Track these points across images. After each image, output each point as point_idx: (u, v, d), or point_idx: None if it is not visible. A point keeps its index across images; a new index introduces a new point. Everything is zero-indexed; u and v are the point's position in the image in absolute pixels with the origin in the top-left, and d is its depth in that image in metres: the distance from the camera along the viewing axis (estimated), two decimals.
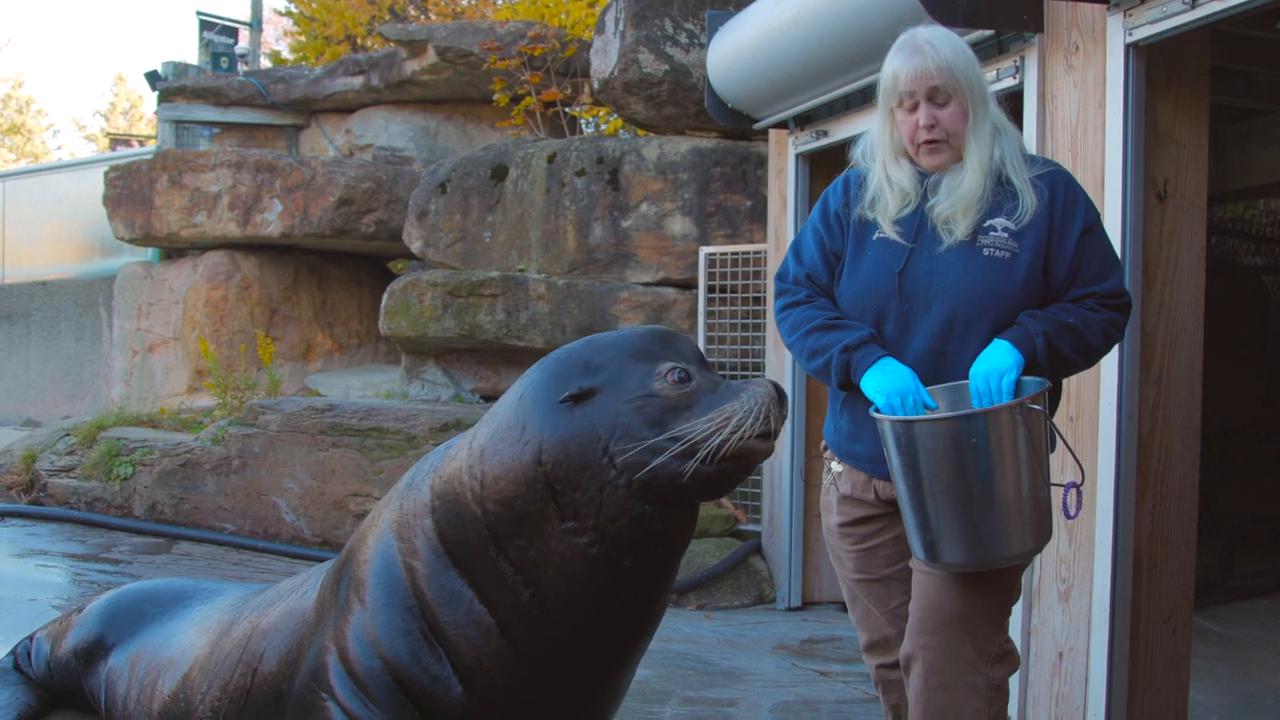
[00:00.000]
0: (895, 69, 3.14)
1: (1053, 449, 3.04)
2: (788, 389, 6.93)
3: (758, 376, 4.10)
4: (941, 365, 3.05)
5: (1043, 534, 2.97)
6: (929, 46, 3.10)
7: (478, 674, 2.78)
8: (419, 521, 2.87)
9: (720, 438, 2.59)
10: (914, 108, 3.12)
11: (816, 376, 3.25)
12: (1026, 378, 2.97)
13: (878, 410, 2.99)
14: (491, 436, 2.79)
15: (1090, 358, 3.13)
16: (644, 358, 2.73)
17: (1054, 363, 3.01)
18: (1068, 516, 3.03)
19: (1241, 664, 5.87)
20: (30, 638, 4.19)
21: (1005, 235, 3.05)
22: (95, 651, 3.82)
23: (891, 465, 2.96)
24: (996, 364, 2.94)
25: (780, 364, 7.43)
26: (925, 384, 3.03)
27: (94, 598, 4.07)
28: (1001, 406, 2.86)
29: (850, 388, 3.14)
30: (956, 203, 3.07)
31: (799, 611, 7.43)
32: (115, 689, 3.66)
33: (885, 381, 2.99)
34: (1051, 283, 3.08)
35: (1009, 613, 3.19)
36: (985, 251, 3.05)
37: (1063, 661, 4.42)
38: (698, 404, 2.67)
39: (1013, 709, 4.37)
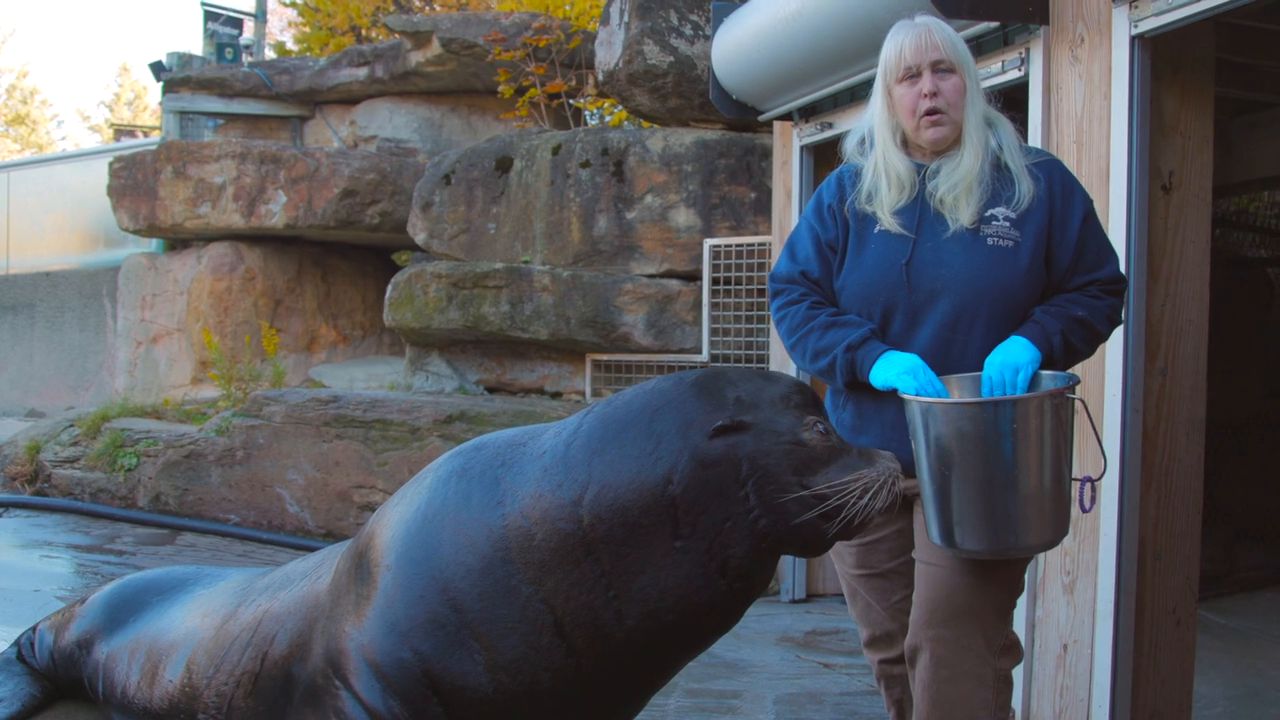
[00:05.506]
0: (898, 43, 3.16)
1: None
2: None
3: (783, 372, 4.04)
4: (949, 356, 3.05)
5: (1060, 528, 2.97)
6: (931, 22, 3.16)
7: (519, 669, 2.71)
8: (482, 515, 2.78)
9: (862, 503, 2.61)
10: (915, 81, 3.13)
11: (820, 377, 3.23)
12: (1045, 371, 2.97)
13: (906, 392, 2.96)
14: (605, 444, 2.72)
15: (1095, 345, 3.17)
16: (792, 406, 2.71)
17: (1067, 357, 3.05)
18: (1083, 510, 3.04)
19: (1245, 656, 5.87)
20: (33, 629, 4.19)
21: (1006, 224, 3.06)
22: (96, 641, 3.81)
23: (917, 447, 2.94)
24: (1014, 358, 2.95)
25: (785, 355, 7.41)
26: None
27: (97, 588, 4.06)
28: (1040, 394, 2.87)
29: (857, 386, 3.13)
30: (958, 183, 3.07)
31: (803, 604, 7.42)
32: (113, 676, 3.64)
33: (895, 364, 2.99)
34: (1054, 270, 3.09)
35: (1014, 605, 3.20)
36: (989, 241, 3.05)
37: (1067, 653, 4.42)
38: (836, 462, 2.67)
39: (1017, 701, 4.37)
